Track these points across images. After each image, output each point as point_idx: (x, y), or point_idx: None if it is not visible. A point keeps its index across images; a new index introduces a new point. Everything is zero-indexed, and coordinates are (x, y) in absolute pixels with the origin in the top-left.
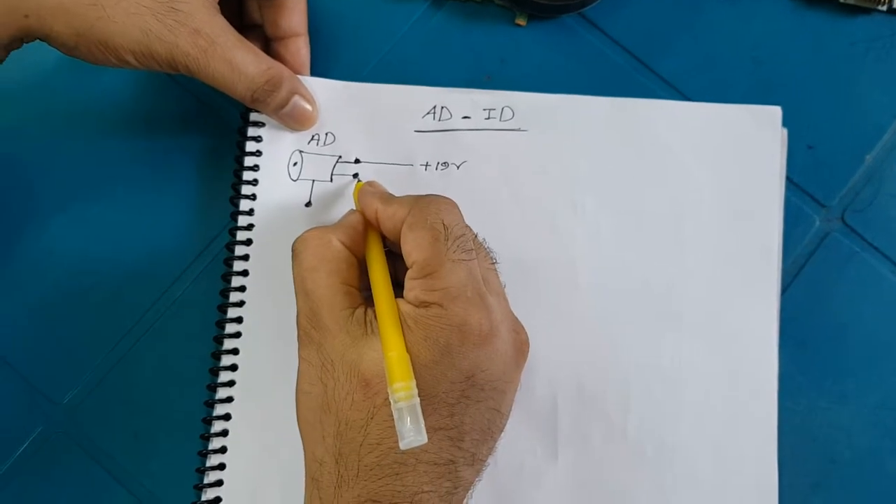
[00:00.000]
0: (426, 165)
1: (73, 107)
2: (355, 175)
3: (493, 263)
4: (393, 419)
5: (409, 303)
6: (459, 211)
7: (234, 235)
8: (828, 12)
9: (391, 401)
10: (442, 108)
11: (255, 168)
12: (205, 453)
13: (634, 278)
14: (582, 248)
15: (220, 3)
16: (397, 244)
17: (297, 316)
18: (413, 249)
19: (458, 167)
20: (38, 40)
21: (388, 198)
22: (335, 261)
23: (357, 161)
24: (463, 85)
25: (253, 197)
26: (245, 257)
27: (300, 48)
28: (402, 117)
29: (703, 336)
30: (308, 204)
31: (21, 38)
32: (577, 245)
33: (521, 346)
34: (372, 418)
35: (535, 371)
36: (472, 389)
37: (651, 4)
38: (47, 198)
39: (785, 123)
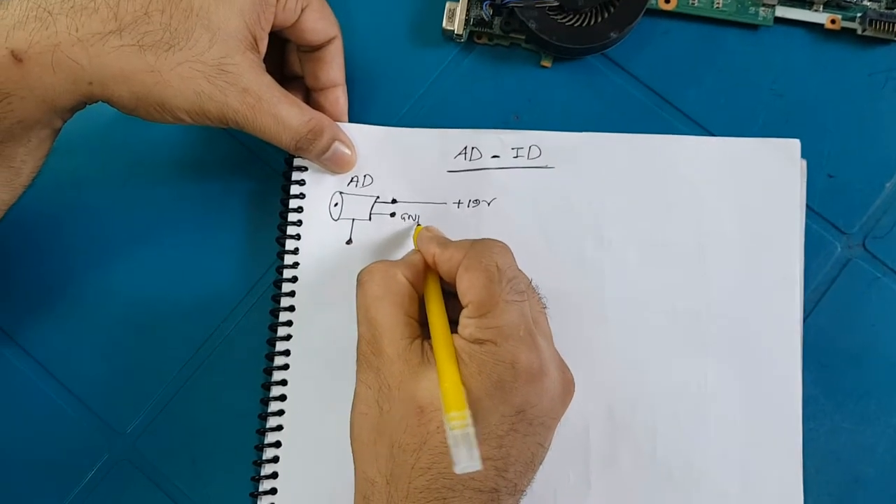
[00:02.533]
0: (458, 203)
1: (130, 157)
2: (417, 221)
3: (543, 308)
4: (445, 446)
5: (464, 339)
6: (512, 254)
7: (280, 273)
8: (846, 44)
9: (447, 427)
10: (472, 148)
11: (298, 210)
12: (257, 478)
13: (660, 308)
14: (609, 280)
15: (264, 59)
16: (453, 285)
17: (359, 341)
18: (468, 290)
19: (488, 204)
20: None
21: (445, 242)
22: (399, 293)
23: (394, 201)
24: (493, 125)
25: (297, 237)
26: (291, 293)
27: (339, 97)
28: (435, 158)
29: (728, 362)
30: (349, 242)
31: (85, 102)
32: (604, 277)
33: (567, 385)
34: (424, 443)
35: None
36: (521, 423)
37: (672, 42)
38: (109, 241)
39: (805, 152)
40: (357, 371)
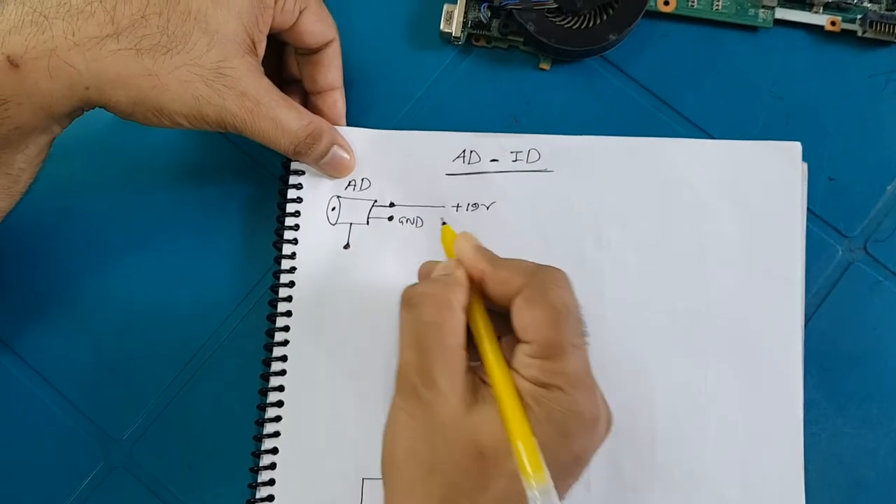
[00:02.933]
0: (457, 207)
1: (127, 162)
2: (443, 222)
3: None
4: (506, 492)
5: (527, 380)
6: (572, 287)
7: (277, 278)
8: (846, 45)
9: (526, 487)
10: (471, 151)
11: (296, 214)
12: (254, 485)
13: (660, 310)
14: (608, 282)
15: (262, 63)
16: (500, 306)
17: (405, 367)
18: (531, 326)
19: (487, 208)
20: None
21: (494, 259)
22: (455, 322)
23: (392, 204)
24: (491, 128)
25: (294, 241)
26: (288, 298)
27: (336, 101)
28: (433, 162)
29: (728, 365)
30: (346, 246)
31: (82, 108)
32: (604, 279)
33: (610, 423)
34: (485, 489)
35: None
36: (576, 467)
37: (671, 44)
38: (106, 246)
39: (806, 155)
40: (398, 397)
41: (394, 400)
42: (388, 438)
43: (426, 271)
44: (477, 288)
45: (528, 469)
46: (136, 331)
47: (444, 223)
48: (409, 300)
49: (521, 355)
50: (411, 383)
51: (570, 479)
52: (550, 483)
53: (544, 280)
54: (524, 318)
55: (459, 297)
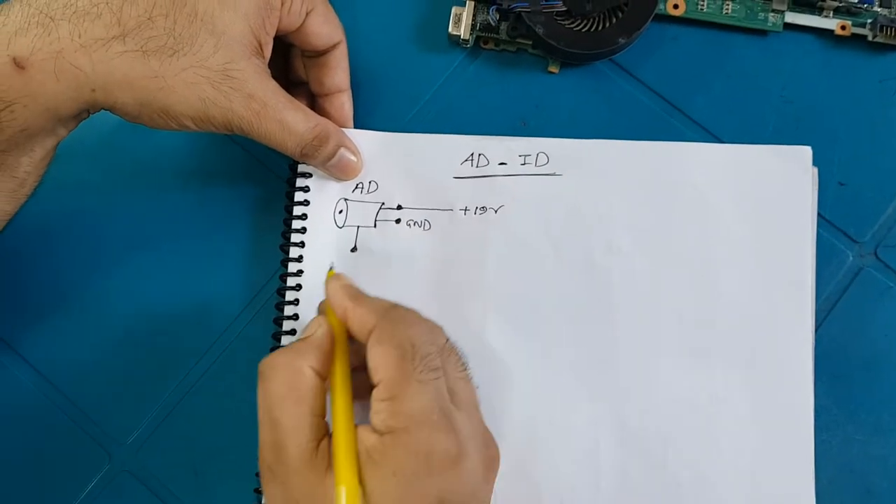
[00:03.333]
0: (465, 210)
1: (132, 163)
2: (331, 266)
3: (464, 370)
4: None
5: (376, 429)
6: (426, 323)
7: (284, 281)
8: (856, 50)
9: None
10: (479, 154)
11: (303, 217)
12: (260, 490)
13: (670, 316)
14: (617, 287)
15: (269, 65)
16: (364, 343)
17: (260, 449)
18: (379, 366)
19: (495, 211)
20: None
21: (357, 296)
22: (304, 389)
23: (399, 207)
24: (500, 131)
25: (301, 244)
26: (295, 301)
27: (344, 103)
28: (441, 164)
29: (738, 370)
30: (353, 249)
31: (88, 110)
32: (614, 284)
33: (490, 462)
34: None
35: (576, 409)
36: None
37: (680, 48)
38: (111, 248)
39: (816, 160)
40: (262, 485)
41: (262, 489)
42: None
43: (319, 310)
44: (344, 341)
45: None
46: (141, 333)
47: (330, 268)
48: (261, 374)
49: (373, 401)
50: (267, 463)
51: None
52: None
53: (394, 319)
54: (374, 359)
55: (312, 360)
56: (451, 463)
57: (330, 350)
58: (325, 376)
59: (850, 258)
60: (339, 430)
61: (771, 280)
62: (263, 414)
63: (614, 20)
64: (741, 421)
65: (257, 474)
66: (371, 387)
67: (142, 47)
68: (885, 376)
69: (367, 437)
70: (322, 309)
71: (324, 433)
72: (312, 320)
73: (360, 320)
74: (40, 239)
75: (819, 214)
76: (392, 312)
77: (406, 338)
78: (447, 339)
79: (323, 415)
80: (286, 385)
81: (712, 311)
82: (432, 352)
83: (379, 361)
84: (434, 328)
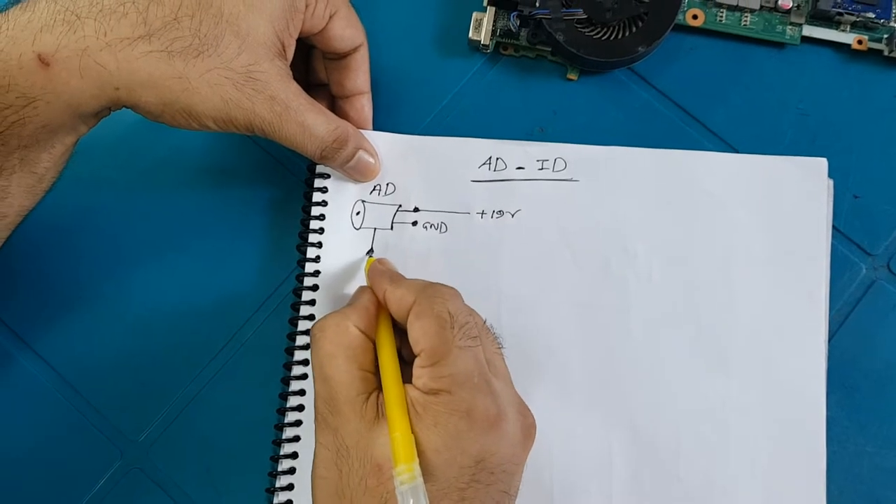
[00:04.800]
0: (482, 213)
1: (151, 161)
2: (369, 251)
3: (499, 348)
4: None
5: (419, 389)
6: (461, 298)
7: (301, 281)
8: (872, 64)
9: (395, 483)
10: (497, 159)
11: (321, 217)
12: (272, 490)
13: (685, 324)
14: (634, 294)
15: (290, 67)
16: (404, 324)
17: (315, 401)
18: (420, 337)
19: (512, 215)
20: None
21: (396, 279)
22: (352, 347)
23: (416, 209)
24: (517, 136)
25: (319, 245)
26: (311, 302)
27: (364, 105)
28: (459, 168)
29: (751, 380)
30: (370, 251)
31: (110, 108)
32: (629, 291)
33: (528, 429)
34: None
35: (589, 415)
36: (482, 473)
37: (699, 59)
38: (127, 246)
39: (831, 173)
40: (316, 432)
41: (315, 436)
42: (312, 474)
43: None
44: (385, 310)
45: (398, 465)
46: (156, 331)
47: (369, 254)
48: (313, 336)
49: (415, 368)
50: (321, 414)
51: (481, 488)
52: (419, 478)
53: (431, 294)
54: (415, 330)
55: (357, 320)
56: (491, 424)
57: (375, 313)
58: (370, 335)
59: (864, 270)
60: (390, 385)
61: (785, 290)
62: (317, 371)
63: (634, 29)
64: (753, 430)
65: (270, 474)
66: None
67: (167, 48)
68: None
69: (412, 392)
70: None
71: (373, 387)
72: (357, 289)
73: (399, 300)
74: (57, 235)
75: (833, 226)
76: (430, 289)
77: (444, 309)
78: (484, 321)
79: (370, 370)
80: (335, 343)
81: (726, 319)
82: (470, 321)
83: (419, 333)
84: (471, 308)
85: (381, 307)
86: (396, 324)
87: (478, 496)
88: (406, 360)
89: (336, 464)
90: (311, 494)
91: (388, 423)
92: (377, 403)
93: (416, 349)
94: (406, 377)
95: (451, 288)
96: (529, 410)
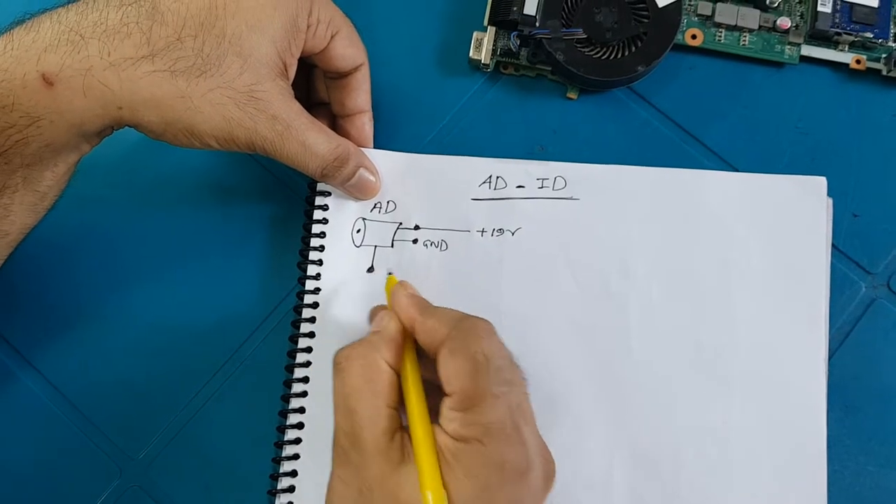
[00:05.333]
0: (482, 231)
1: (153, 179)
2: (389, 272)
3: (526, 386)
4: None
5: (448, 435)
6: (497, 336)
7: (301, 298)
8: (870, 84)
9: None
10: (497, 177)
11: (321, 235)
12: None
13: (685, 342)
14: (634, 313)
15: (292, 86)
16: (432, 355)
17: (336, 433)
18: (453, 377)
19: (512, 233)
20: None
21: (426, 309)
22: (381, 383)
23: (417, 227)
24: (517, 155)
25: (319, 262)
26: (312, 319)
27: (364, 124)
28: (459, 186)
29: (752, 399)
30: (370, 269)
31: (113, 127)
32: (629, 309)
33: (549, 474)
34: None
35: (590, 434)
36: None
37: (698, 78)
38: (128, 263)
39: (830, 192)
40: (333, 464)
41: (332, 467)
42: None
43: (373, 314)
44: (409, 341)
45: None
46: (156, 349)
47: (389, 273)
48: (337, 365)
49: (445, 409)
50: (342, 448)
51: None
52: None
53: (467, 330)
54: (447, 369)
55: (386, 354)
56: (520, 475)
57: (402, 344)
58: (397, 370)
59: (863, 289)
60: (419, 432)
61: (785, 309)
62: (340, 401)
63: (633, 49)
64: (754, 449)
65: (269, 492)
66: (436, 391)
67: (170, 67)
68: None
69: (441, 438)
70: (373, 314)
71: (397, 425)
72: (382, 314)
73: (430, 332)
74: (59, 253)
75: (833, 245)
76: (464, 323)
77: (479, 350)
78: (511, 355)
79: (396, 407)
80: (362, 377)
81: (726, 338)
82: (504, 365)
83: (452, 372)
84: (503, 345)
85: (407, 337)
86: (420, 352)
87: None
88: (430, 388)
89: (356, 502)
90: None
91: (419, 474)
92: (402, 444)
93: (447, 388)
94: (431, 409)
95: (487, 323)
96: (551, 454)
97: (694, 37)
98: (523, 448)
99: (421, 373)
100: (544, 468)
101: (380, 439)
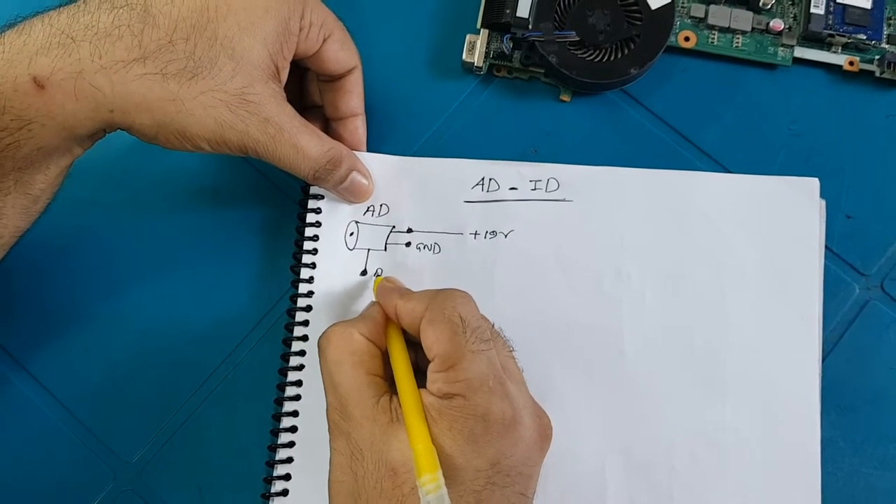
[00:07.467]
0: (475, 234)
1: (145, 182)
2: (377, 272)
3: (511, 351)
4: None
5: (433, 394)
6: (474, 302)
7: (294, 302)
8: (864, 86)
9: (420, 492)
10: (490, 179)
11: (314, 238)
12: None
13: (678, 345)
14: (627, 315)
15: (284, 88)
16: (418, 337)
17: (327, 409)
18: (433, 343)
19: (505, 236)
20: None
21: (406, 293)
22: (358, 353)
23: (409, 230)
24: (510, 157)
25: (312, 266)
26: (305, 323)
27: (357, 127)
28: (452, 188)
29: (745, 402)
30: (363, 272)
31: (104, 130)
32: (623, 311)
33: (544, 430)
34: None
35: (583, 437)
36: (497, 476)
37: (691, 80)
38: (121, 267)
39: (823, 193)
40: (330, 440)
41: (330, 444)
42: (328, 480)
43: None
44: (396, 323)
45: (422, 475)
46: (149, 352)
47: (377, 275)
48: (319, 346)
49: (430, 373)
50: (334, 422)
51: (497, 490)
52: (443, 487)
53: (441, 300)
54: (428, 338)
55: (363, 328)
56: (507, 427)
57: (381, 322)
58: (377, 343)
59: (857, 291)
60: (406, 391)
61: (778, 311)
62: (326, 380)
63: (626, 51)
64: (748, 451)
65: (263, 495)
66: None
67: (161, 70)
68: (891, 409)
69: (427, 398)
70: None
71: (383, 391)
72: (366, 306)
73: (410, 311)
74: (52, 256)
75: (826, 247)
76: (440, 294)
77: (455, 313)
78: (493, 325)
79: (379, 374)
80: (340, 350)
81: (720, 340)
82: (482, 325)
83: (432, 339)
84: (482, 313)
85: (389, 319)
86: (409, 337)
87: (494, 498)
88: (421, 370)
89: (350, 467)
90: (328, 499)
91: (407, 431)
92: (390, 407)
93: (429, 355)
94: (420, 384)
95: (463, 292)
96: (545, 412)
97: (687, 39)
98: (508, 401)
99: (410, 355)
100: (537, 423)
101: (365, 404)
